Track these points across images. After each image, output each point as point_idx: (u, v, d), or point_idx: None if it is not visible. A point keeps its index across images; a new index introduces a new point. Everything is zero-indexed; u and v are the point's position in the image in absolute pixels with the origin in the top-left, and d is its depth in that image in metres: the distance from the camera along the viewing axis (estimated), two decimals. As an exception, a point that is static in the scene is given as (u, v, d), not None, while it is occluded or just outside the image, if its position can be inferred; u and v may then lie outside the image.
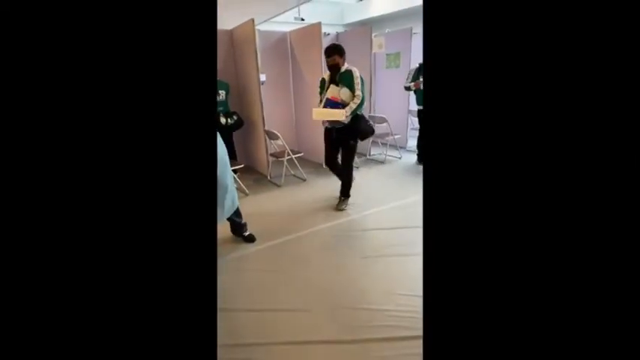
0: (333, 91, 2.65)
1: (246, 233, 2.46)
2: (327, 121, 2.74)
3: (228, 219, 2.35)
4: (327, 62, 2.67)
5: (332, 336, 1.51)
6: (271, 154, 3.71)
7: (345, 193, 3.01)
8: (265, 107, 3.71)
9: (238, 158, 3.83)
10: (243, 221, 2.43)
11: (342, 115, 2.57)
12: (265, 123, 3.62)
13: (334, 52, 2.63)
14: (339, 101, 2.63)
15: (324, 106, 2.68)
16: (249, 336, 1.52)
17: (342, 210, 2.90)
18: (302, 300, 1.77)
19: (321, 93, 2.78)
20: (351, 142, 2.81)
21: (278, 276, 2.00)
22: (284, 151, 3.51)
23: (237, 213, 2.35)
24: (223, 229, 2.41)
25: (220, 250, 2.29)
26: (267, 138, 3.61)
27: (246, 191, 3.34)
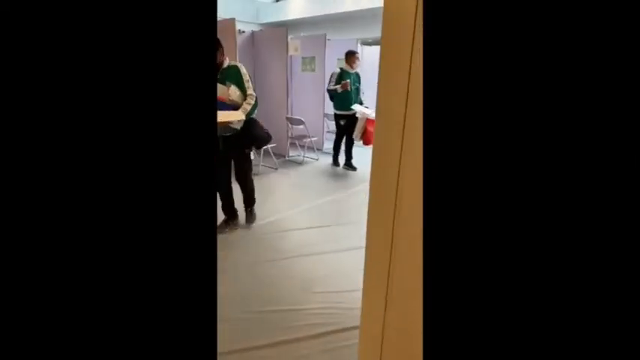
0: (219, 91, 2.17)
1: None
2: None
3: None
4: None
5: (252, 342, 1.48)
6: None
7: (250, 202, 2.67)
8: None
9: None
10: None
11: (238, 118, 2.17)
12: None
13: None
14: (228, 102, 2.17)
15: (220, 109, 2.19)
16: None
17: (253, 223, 2.65)
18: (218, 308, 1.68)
19: None
20: (246, 150, 2.41)
21: None
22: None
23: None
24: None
25: None
26: None
27: None
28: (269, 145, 4.13)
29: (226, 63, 2.24)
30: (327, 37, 4.74)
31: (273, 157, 4.27)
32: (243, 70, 2.24)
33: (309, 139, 4.41)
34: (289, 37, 4.30)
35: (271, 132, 4.85)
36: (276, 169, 4.11)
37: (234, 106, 2.19)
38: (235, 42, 3.57)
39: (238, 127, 2.25)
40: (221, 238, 2.38)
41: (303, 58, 4.94)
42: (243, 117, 2.17)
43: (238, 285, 1.90)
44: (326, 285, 1.87)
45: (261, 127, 2.41)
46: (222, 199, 2.51)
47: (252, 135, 2.34)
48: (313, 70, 4.91)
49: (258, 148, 2.55)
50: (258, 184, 2.89)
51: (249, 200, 2.66)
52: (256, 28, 5.48)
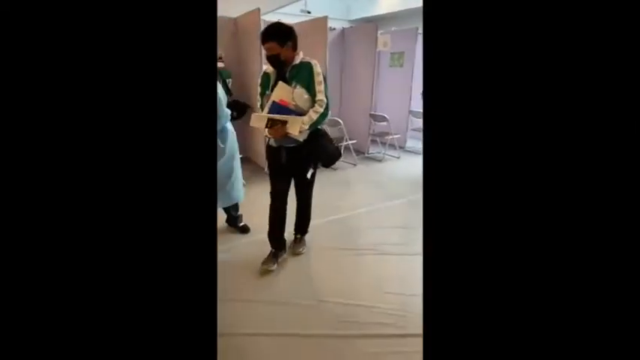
0: (282, 92, 1.72)
1: (241, 224, 2.48)
2: (273, 135, 1.77)
3: (225, 210, 2.38)
4: (266, 53, 1.75)
5: (319, 330, 1.53)
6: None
7: (302, 229, 2.20)
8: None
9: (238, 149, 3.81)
10: (239, 213, 2.45)
11: (297, 126, 1.67)
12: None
13: (270, 37, 1.66)
14: (292, 107, 1.71)
15: (270, 113, 1.74)
16: (239, 326, 1.53)
17: (300, 254, 2.16)
18: (293, 293, 1.78)
19: (263, 94, 1.81)
20: (310, 170, 1.88)
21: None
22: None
23: (235, 205, 2.38)
24: (219, 219, 2.42)
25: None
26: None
27: (244, 182, 3.33)
28: (350, 142, 4.15)
29: (298, 59, 1.74)
30: (419, 31, 4.54)
31: (353, 152, 4.29)
32: (317, 69, 1.72)
33: (390, 137, 4.31)
34: (379, 33, 4.24)
35: (353, 128, 4.92)
36: (355, 165, 4.11)
37: (301, 112, 1.72)
38: (326, 39, 3.66)
39: (301, 138, 1.76)
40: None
41: (391, 53, 4.83)
42: (305, 127, 1.68)
43: (313, 274, 1.97)
44: (399, 287, 1.82)
45: (331, 141, 1.88)
46: (271, 223, 2.02)
47: (319, 150, 1.82)
48: (401, 66, 4.76)
49: (326, 166, 2.01)
50: (335, 178, 2.90)
51: (303, 227, 2.18)
52: (347, 25, 5.52)
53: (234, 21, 3.90)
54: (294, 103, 1.70)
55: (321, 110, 1.71)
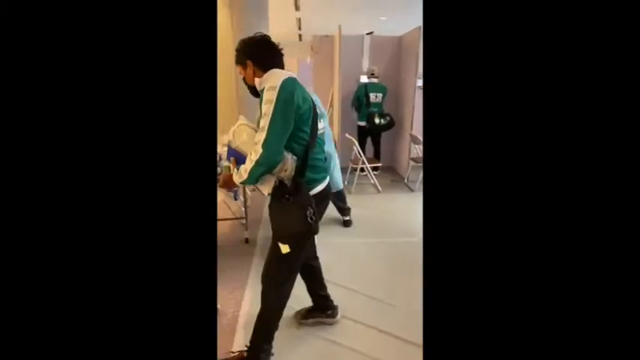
0: (238, 132, 1.25)
1: (346, 218, 2.78)
2: (219, 185, 1.44)
3: (334, 203, 2.67)
4: None
5: (412, 337, 1.64)
6: (412, 159, 3.86)
7: (254, 335, 1.42)
8: (418, 112, 3.94)
9: (382, 158, 4.12)
10: (346, 206, 2.76)
11: (237, 176, 1.21)
12: (413, 127, 3.80)
13: (238, 55, 1.27)
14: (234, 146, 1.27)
15: (227, 158, 1.35)
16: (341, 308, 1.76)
17: None
18: (385, 293, 1.93)
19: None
20: (277, 242, 1.28)
21: (365, 266, 2.22)
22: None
23: (341, 198, 2.72)
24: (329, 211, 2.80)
25: (323, 227, 2.71)
26: (411, 142, 3.81)
27: (379, 188, 3.69)
28: (378, 164, 3.75)
29: (265, 82, 1.18)
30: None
31: (373, 179, 3.77)
32: (269, 94, 1.12)
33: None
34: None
35: (392, 151, 4.15)
36: (379, 191, 3.67)
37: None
38: (418, 53, 3.53)
39: (265, 192, 1.26)
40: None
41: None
42: (240, 179, 1.20)
43: (412, 283, 2.03)
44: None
45: (303, 206, 1.20)
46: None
47: (273, 216, 1.30)
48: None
49: (282, 242, 1.28)
50: (354, 201, 2.72)
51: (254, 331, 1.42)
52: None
53: (399, 39, 4.27)
54: (236, 142, 1.26)
55: (255, 157, 1.13)
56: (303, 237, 1.28)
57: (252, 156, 1.15)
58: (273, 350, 1.48)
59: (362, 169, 3.78)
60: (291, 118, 1.15)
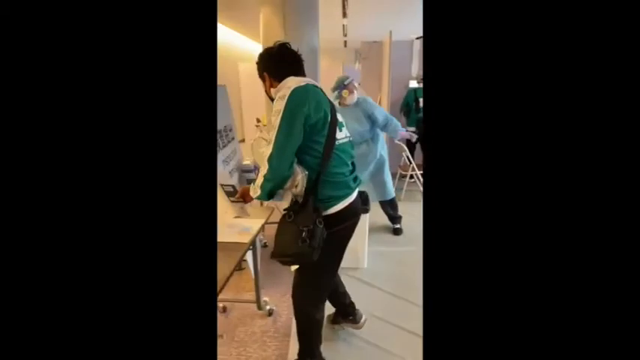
0: (256, 144, 1.33)
1: (397, 226, 2.78)
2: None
3: (383, 208, 2.74)
4: None
5: None
6: None
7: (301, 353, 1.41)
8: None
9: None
10: (397, 214, 2.76)
11: (251, 190, 1.20)
12: None
13: (257, 69, 1.26)
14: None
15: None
16: (385, 313, 1.84)
17: None
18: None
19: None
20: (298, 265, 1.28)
21: (418, 274, 2.31)
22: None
23: (393, 206, 2.72)
24: (375, 215, 2.83)
25: (372, 234, 2.72)
26: None
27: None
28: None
29: (277, 91, 1.16)
30: None
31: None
32: (278, 104, 1.09)
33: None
34: None
35: None
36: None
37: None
38: None
39: (282, 203, 1.26)
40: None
41: None
42: (254, 195, 1.18)
43: None
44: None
45: (305, 223, 1.10)
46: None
47: (276, 236, 1.16)
48: None
49: (283, 263, 1.21)
50: (403, 208, 2.71)
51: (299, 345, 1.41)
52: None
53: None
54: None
55: (264, 173, 1.11)
56: (299, 261, 1.16)
57: (262, 170, 1.12)
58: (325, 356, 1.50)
59: (411, 176, 3.72)
60: (298, 129, 1.06)
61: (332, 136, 1.13)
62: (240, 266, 2.09)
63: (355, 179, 1.25)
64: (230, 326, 1.82)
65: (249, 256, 1.85)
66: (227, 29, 6.94)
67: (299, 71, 1.22)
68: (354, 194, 1.22)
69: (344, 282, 1.73)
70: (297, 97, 1.08)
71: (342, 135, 1.20)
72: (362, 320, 1.66)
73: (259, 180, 1.14)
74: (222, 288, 1.08)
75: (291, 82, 1.14)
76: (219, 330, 1.76)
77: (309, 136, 1.10)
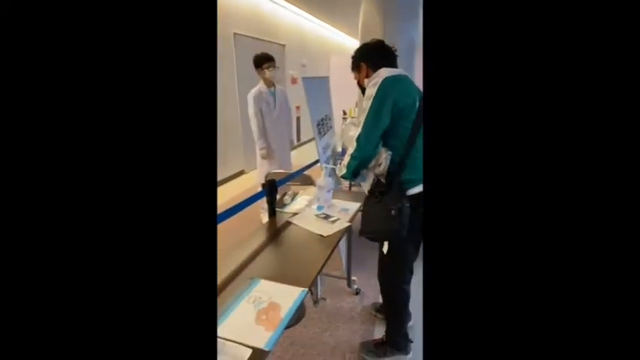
0: (346, 129, 1.52)
1: None
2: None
3: None
4: None
5: None
6: None
7: (387, 336, 1.50)
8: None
9: None
10: None
11: (338, 174, 1.39)
12: None
13: (353, 60, 1.42)
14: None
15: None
16: None
17: None
18: None
19: None
20: (381, 246, 1.36)
21: None
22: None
23: None
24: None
25: None
26: None
27: None
28: None
29: (370, 81, 1.31)
30: None
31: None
32: (370, 90, 1.25)
33: None
34: None
35: None
36: None
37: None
38: None
39: (365, 189, 1.38)
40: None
41: None
42: (340, 173, 1.35)
43: None
44: None
45: (388, 207, 1.21)
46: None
47: (362, 214, 1.32)
48: None
49: (372, 240, 1.34)
50: None
51: (386, 332, 1.51)
52: None
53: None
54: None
55: (351, 151, 1.26)
56: (389, 237, 1.26)
57: (349, 150, 1.25)
58: (411, 337, 1.57)
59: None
60: (386, 113, 1.19)
61: (418, 123, 1.23)
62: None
63: None
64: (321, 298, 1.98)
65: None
66: (322, 23, 7.17)
67: (392, 64, 1.35)
68: None
69: None
70: (388, 84, 1.21)
71: None
72: (410, 322, 1.64)
73: (346, 159, 1.28)
74: (325, 262, 1.20)
75: (384, 72, 1.27)
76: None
77: (397, 121, 1.22)
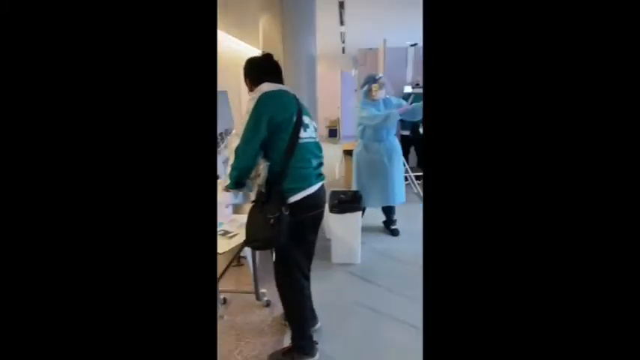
0: (231, 141, 1.69)
1: (393, 227, 2.88)
2: None
3: (384, 209, 2.83)
4: None
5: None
6: None
7: (293, 342, 1.53)
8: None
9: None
10: (394, 218, 2.86)
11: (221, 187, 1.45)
12: None
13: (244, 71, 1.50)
14: None
15: None
16: (377, 305, 1.97)
17: None
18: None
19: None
20: (271, 254, 1.45)
21: (410, 269, 2.29)
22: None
23: (392, 210, 2.83)
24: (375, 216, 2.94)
25: (368, 234, 2.85)
26: None
27: (421, 195, 3.84)
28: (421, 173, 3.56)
29: (254, 94, 1.35)
30: None
31: (418, 188, 3.49)
32: (250, 104, 1.30)
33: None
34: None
35: None
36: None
37: None
38: None
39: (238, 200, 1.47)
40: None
41: None
42: (225, 184, 1.40)
43: None
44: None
45: (271, 211, 1.26)
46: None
47: (246, 223, 1.35)
48: None
49: (254, 248, 1.56)
50: (398, 209, 2.73)
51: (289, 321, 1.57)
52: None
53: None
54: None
55: (231, 162, 1.33)
56: (270, 244, 1.34)
57: (230, 161, 1.33)
58: (317, 339, 1.62)
59: (405, 178, 3.82)
60: (263, 126, 1.27)
61: (295, 135, 1.32)
62: (239, 262, 2.23)
63: (318, 176, 1.43)
64: (230, 316, 1.93)
65: (247, 252, 1.96)
66: (227, 36, 7.09)
67: (275, 79, 1.41)
68: (314, 187, 1.38)
69: (338, 277, 1.90)
70: (265, 99, 1.29)
71: (306, 135, 1.38)
72: (317, 326, 1.71)
73: (228, 170, 1.35)
74: (221, 276, 1.19)
75: (265, 87, 1.34)
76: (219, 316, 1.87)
77: (275, 134, 1.30)
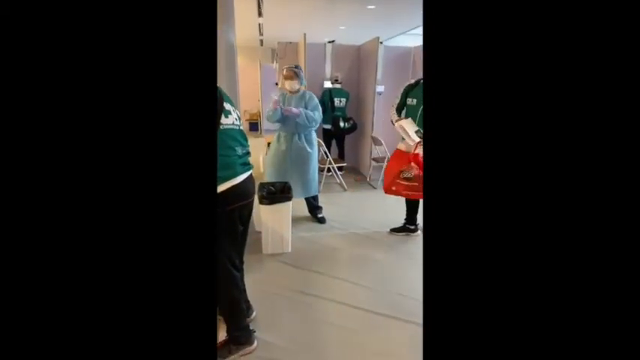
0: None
1: (320, 215, 3.02)
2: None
3: (307, 200, 2.96)
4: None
5: (370, 307, 1.86)
6: (373, 159, 4.14)
7: (228, 335, 1.54)
8: (380, 116, 4.24)
9: (346, 158, 4.37)
10: (318, 204, 3.01)
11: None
12: (373, 130, 4.10)
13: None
14: None
15: None
16: (310, 289, 2.02)
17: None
18: (357, 275, 2.16)
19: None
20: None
21: (339, 253, 2.47)
22: (384, 157, 3.88)
23: (315, 198, 2.98)
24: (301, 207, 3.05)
25: (296, 224, 2.94)
26: (372, 143, 4.07)
27: (345, 187, 3.94)
28: (343, 164, 4.02)
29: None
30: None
31: (340, 179, 4.08)
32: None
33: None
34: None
35: (355, 152, 4.50)
36: (345, 189, 3.94)
37: None
38: (377, 62, 3.87)
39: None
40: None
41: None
42: None
43: (376, 266, 2.29)
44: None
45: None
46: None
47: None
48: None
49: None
50: (323, 198, 2.86)
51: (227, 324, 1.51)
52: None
53: (358, 48, 4.58)
54: None
55: None
56: None
57: None
58: (254, 328, 1.63)
59: (328, 169, 4.01)
60: None
61: (215, 123, 1.26)
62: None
63: (244, 165, 1.38)
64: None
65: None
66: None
67: None
68: (241, 177, 1.35)
69: (270, 266, 1.93)
70: None
71: (228, 121, 1.35)
72: (252, 315, 1.75)
73: None
74: None
75: None
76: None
77: None
